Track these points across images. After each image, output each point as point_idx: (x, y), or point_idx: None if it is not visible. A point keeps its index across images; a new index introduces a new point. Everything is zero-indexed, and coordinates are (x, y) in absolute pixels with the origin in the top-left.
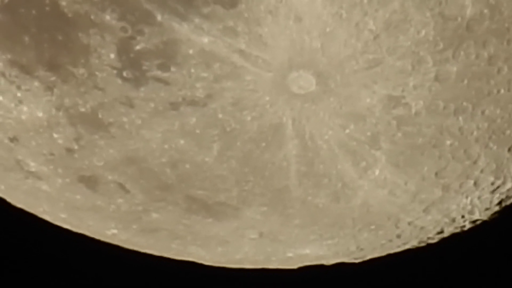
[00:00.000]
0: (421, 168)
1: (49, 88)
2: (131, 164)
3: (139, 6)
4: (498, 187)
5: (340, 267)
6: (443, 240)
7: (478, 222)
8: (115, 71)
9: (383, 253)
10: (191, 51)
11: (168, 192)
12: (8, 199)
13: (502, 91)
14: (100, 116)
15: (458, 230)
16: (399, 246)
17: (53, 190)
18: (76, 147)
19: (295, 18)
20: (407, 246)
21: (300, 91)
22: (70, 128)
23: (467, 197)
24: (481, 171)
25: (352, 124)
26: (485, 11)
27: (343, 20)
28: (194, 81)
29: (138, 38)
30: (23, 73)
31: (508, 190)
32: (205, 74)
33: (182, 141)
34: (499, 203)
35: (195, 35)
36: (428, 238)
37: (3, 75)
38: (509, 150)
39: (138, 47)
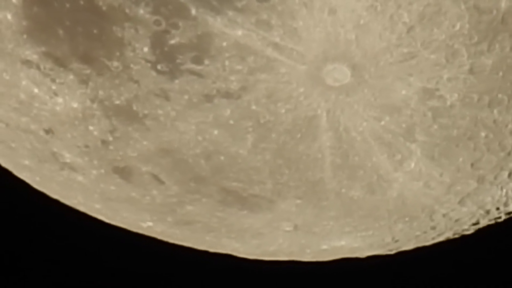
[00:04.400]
0: (456, 160)
1: (84, 81)
2: (165, 155)
3: (172, 0)
4: None
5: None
6: (477, 232)
7: None
8: (149, 64)
9: (418, 245)
10: (225, 44)
11: (203, 184)
12: (44, 191)
13: None
14: (134, 108)
15: (493, 222)
16: (434, 238)
17: (88, 181)
18: (110, 138)
19: (329, 11)
20: (442, 238)
21: (335, 84)
22: (105, 120)
23: (502, 189)
24: None
25: (387, 116)
26: None
27: (377, 12)
28: (228, 74)
29: (173, 32)
30: (57, 66)
31: None
32: (239, 67)
33: (216, 133)
34: None
35: (229, 29)
36: (463, 229)
37: (38, 67)
38: None
39: (172, 41)
